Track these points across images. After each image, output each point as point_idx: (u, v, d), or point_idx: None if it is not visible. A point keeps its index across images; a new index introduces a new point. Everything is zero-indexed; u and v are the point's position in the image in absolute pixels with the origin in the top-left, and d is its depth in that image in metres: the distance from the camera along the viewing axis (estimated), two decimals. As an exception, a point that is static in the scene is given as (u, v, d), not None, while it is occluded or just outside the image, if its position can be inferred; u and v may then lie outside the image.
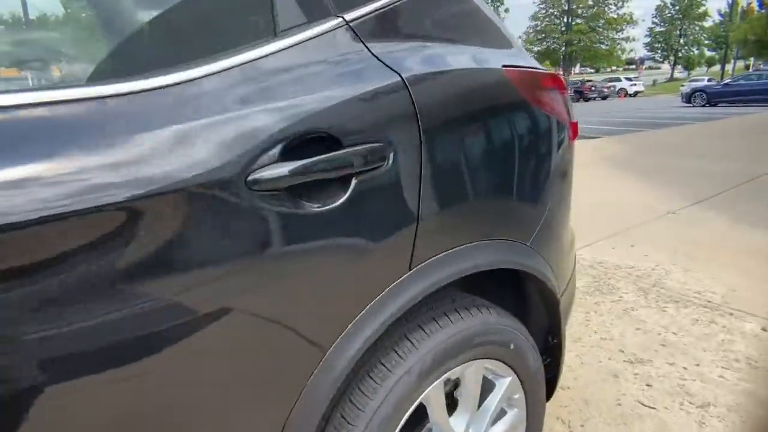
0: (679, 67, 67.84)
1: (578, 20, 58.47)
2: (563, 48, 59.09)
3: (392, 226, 0.98)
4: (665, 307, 2.95)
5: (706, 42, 65.15)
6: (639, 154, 8.62)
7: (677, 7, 62.66)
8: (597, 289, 3.23)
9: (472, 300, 1.27)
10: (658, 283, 3.30)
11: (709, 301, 3.00)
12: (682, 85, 25.97)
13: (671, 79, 62.86)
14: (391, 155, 0.95)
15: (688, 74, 64.14)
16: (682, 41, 64.77)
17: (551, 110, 1.36)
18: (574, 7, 58.02)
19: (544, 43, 61.23)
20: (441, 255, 1.09)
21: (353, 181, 0.91)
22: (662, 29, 65.01)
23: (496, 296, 1.46)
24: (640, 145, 9.92)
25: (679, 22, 63.37)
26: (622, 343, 2.57)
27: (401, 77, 1.00)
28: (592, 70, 77.76)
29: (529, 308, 1.49)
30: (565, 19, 59.33)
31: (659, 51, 67.48)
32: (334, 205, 0.88)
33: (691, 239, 4.08)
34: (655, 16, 65.47)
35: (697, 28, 64.12)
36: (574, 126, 1.50)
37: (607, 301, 3.06)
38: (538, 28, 61.43)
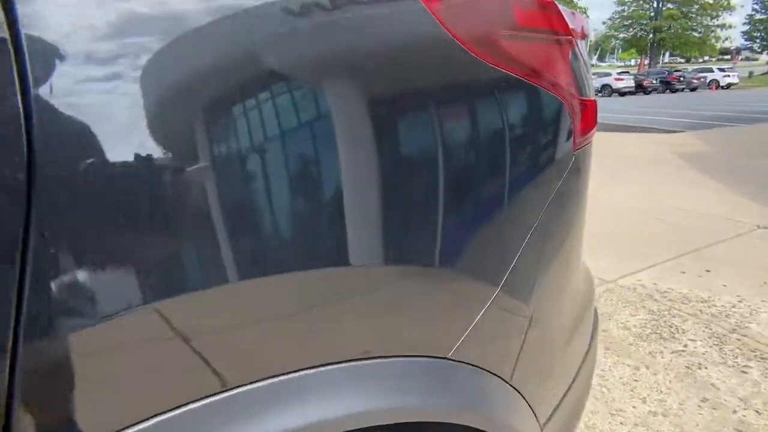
0: (781, 58, 62.14)
1: (669, 5, 54.48)
2: (651, 35, 55.33)
3: None
4: (746, 367, 2.15)
5: (814, 31, 59.12)
6: (725, 153, 7.46)
7: (783, -8, 57.08)
8: (654, 332, 2.46)
9: None
10: (738, 327, 2.48)
11: (811, 363, 2.18)
12: (784, 78, 23.38)
13: (771, 71, 57.65)
14: None
15: (791, 66, 58.59)
16: (786, 30, 59.12)
17: (532, 74, 0.68)
18: (665, -10, 54.12)
19: (630, 29, 57.58)
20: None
21: None
22: (763, 17, 59.51)
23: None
24: (727, 142, 8.67)
25: (784, 9, 57.81)
26: (680, 423, 1.82)
27: None
28: (683, 60, 72.82)
29: None
30: (655, 4, 55.45)
31: (758, 40, 61.93)
32: None
33: (789, 267, 3.18)
34: (756, 2, 59.99)
35: (804, 15, 58.23)
36: (589, 108, 0.81)
37: (667, 351, 2.29)
38: (625, 13, 57.76)
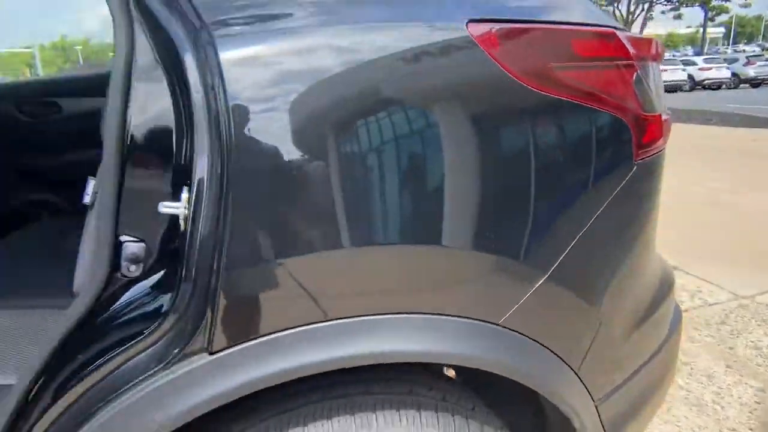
0: None
1: None
2: None
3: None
4: None
5: None
6: None
7: None
8: (790, 355, 2.27)
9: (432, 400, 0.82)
10: None
11: None
12: None
13: None
14: None
15: None
16: None
17: (589, 97, 0.78)
18: None
19: None
20: (276, 335, 0.69)
21: None
22: None
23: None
24: None
25: None
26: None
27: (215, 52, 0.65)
28: None
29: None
30: None
31: None
32: None
33: None
34: None
35: None
36: (653, 123, 0.87)
37: (801, 377, 2.11)
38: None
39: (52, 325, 1.05)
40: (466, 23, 0.71)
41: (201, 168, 0.64)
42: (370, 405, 0.78)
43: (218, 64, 0.64)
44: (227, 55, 0.65)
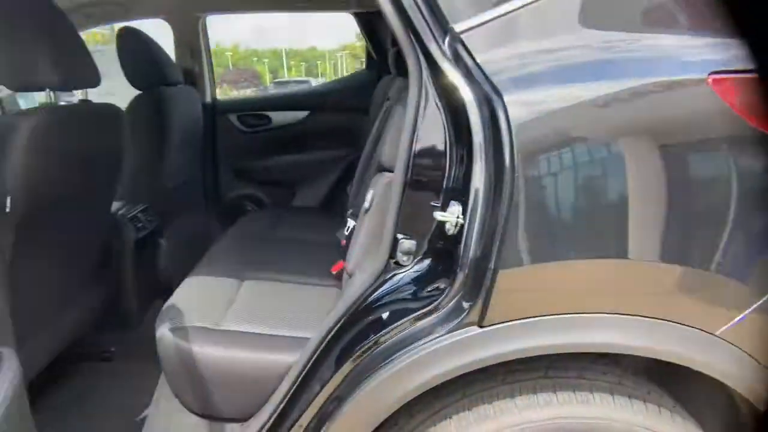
0: None
1: None
2: None
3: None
4: None
5: None
6: None
7: None
8: None
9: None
10: None
11: None
12: None
13: None
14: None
15: None
16: None
17: None
18: None
19: None
20: (537, 318, 0.87)
21: None
22: None
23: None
24: None
25: None
26: None
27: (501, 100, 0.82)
28: None
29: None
30: None
31: None
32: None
33: None
34: None
35: None
36: None
37: None
38: None
39: (325, 296, 1.33)
40: (708, 75, 0.83)
41: (478, 188, 0.84)
42: (587, 386, 0.95)
43: (503, 106, 0.82)
44: (509, 98, 0.83)
